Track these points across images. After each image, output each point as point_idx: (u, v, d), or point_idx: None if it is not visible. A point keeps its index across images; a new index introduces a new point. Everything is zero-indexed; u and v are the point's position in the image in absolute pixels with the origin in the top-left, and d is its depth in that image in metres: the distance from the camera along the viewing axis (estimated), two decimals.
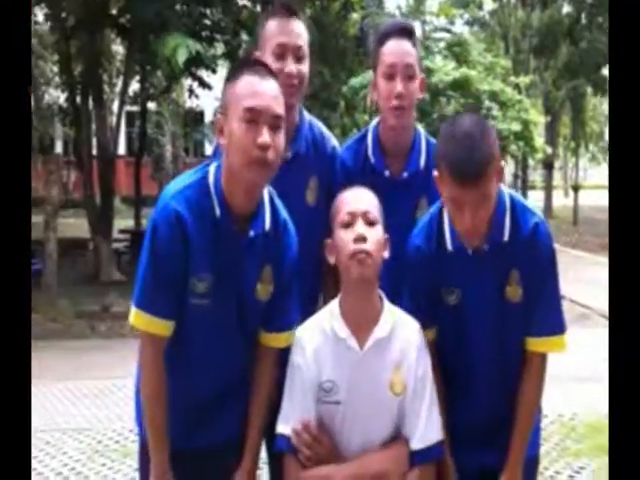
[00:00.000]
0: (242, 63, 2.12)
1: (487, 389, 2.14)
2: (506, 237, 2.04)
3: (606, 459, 4.22)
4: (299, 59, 2.32)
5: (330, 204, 2.12)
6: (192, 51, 8.38)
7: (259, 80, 1.91)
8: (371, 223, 2.01)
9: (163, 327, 1.93)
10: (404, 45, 2.33)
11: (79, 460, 4.48)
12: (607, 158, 23.94)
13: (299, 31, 2.33)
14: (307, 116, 2.46)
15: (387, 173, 2.37)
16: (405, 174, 2.38)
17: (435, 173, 2.01)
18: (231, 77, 1.95)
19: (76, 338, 7.81)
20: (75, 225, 14.97)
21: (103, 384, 5.97)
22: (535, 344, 2.10)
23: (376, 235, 2.00)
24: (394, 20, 2.26)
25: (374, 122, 2.47)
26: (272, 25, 2.32)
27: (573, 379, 5.82)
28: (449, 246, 2.07)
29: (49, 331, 7.88)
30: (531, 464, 2.20)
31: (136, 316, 1.93)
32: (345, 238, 1.99)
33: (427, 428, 2.01)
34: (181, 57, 8.26)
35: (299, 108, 2.41)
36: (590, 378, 5.72)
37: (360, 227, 1.99)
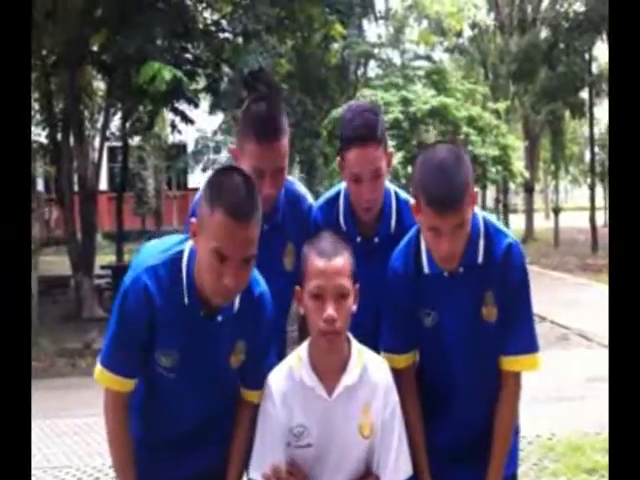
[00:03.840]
0: (223, 177, 1.91)
1: (467, 410, 2.17)
2: (480, 260, 2.08)
3: (584, 477, 4.23)
4: (280, 172, 2.27)
5: None
6: (175, 75, 8.37)
7: (236, 225, 1.81)
8: (342, 296, 1.98)
9: (125, 384, 2.00)
10: (368, 152, 2.25)
11: None
12: (587, 180, 24.08)
13: (279, 153, 2.25)
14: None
15: (359, 239, 2.34)
16: (376, 239, 2.37)
17: (412, 201, 2.04)
18: (211, 194, 1.86)
19: (57, 376, 7.75)
20: (56, 263, 14.83)
21: (83, 421, 5.91)
22: (509, 363, 2.13)
23: (346, 308, 1.98)
24: (356, 120, 2.11)
25: (345, 185, 2.40)
26: (251, 144, 2.23)
27: (552, 399, 5.82)
28: (426, 269, 2.11)
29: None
30: None
31: (100, 373, 2.01)
32: (314, 311, 1.97)
33: (395, 466, 2.04)
34: (164, 79, 8.24)
35: None
36: (569, 398, 5.73)
37: (330, 306, 1.95)
